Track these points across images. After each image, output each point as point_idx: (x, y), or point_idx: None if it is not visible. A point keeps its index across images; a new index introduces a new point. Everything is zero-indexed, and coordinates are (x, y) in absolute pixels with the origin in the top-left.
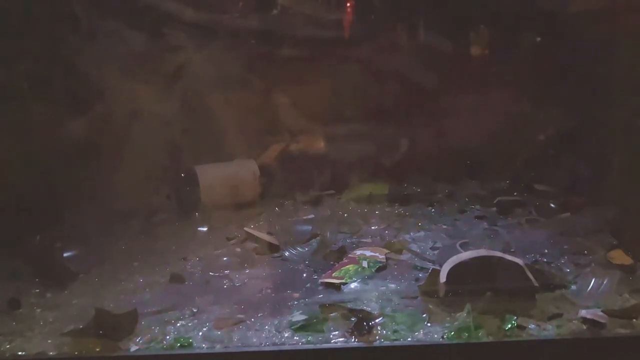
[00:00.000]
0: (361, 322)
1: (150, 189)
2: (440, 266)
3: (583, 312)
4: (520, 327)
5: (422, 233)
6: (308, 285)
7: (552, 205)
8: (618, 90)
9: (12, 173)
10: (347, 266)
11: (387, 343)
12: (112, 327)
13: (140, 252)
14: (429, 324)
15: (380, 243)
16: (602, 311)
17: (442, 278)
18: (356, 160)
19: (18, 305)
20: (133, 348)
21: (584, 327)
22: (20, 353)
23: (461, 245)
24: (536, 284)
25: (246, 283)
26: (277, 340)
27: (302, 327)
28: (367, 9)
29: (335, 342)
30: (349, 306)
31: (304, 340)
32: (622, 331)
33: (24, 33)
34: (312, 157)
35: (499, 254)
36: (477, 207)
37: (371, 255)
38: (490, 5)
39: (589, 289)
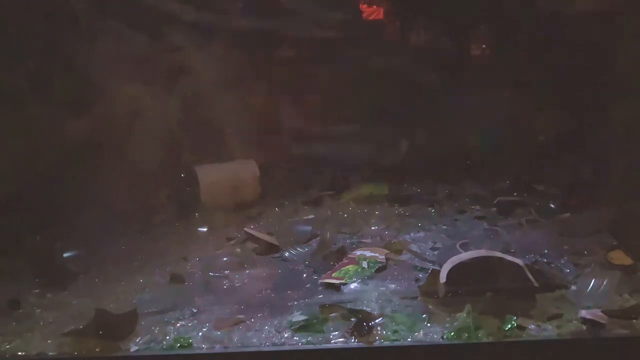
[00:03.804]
0: (361, 322)
1: (150, 189)
2: (440, 266)
3: (583, 313)
4: (520, 327)
5: (422, 233)
6: (308, 285)
7: (552, 205)
8: (618, 91)
9: (12, 173)
10: (347, 267)
11: (387, 343)
12: (112, 327)
13: (140, 252)
14: (428, 325)
15: (380, 243)
16: (602, 311)
17: (442, 278)
18: (356, 161)
19: (18, 306)
20: (133, 348)
21: (584, 327)
22: (20, 353)
23: (461, 246)
24: (536, 284)
25: (246, 283)
26: (277, 341)
27: (302, 328)
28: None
29: (335, 343)
30: (348, 307)
31: (304, 340)
32: (622, 331)
33: (24, 33)
34: (312, 157)
35: (499, 254)
36: (477, 207)
37: (371, 256)
38: (491, 5)
39: (589, 289)
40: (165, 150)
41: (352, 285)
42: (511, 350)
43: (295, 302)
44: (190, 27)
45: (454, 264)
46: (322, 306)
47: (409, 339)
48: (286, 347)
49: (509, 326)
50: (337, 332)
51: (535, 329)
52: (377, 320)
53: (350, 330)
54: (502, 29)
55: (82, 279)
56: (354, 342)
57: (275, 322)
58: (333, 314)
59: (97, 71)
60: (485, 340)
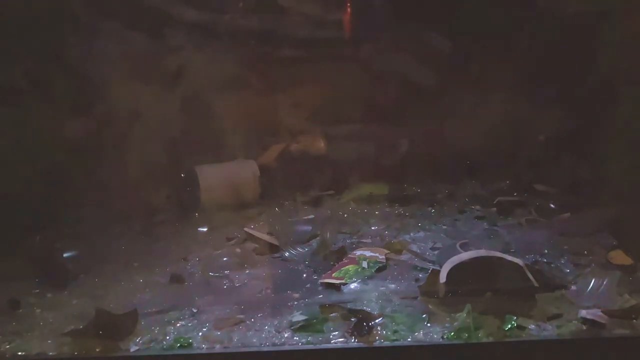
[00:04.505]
0: (361, 322)
1: (150, 189)
2: (440, 266)
3: (583, 312)
4: (520, 327)
5: (422, 233)
6: (308, 285)
7: (552, 205)
8: (618, 91)
9: (12, 173)
10: (347, 266)
11: (387, 343)
12: (112, 327)
13: (140, 252)
14: (428, 324)
15: (380, 243)
16: (602, 311)
17: (442, 278)
18: (356, 160)
19: (18, 306)
20: (133, 348)
21: (584, 327)
22: (20, 353)
23: (461, 246)
24: (536, 284)
25: (246, 283)
26: (277, 341)
27: (302, 328)
28: (367, 9)
29: (335, 343)
30: (348, 306)
31: (304, 340)
32: (622, 331)
33: (24, 33)
34: (312, 157)
35: (499, 254)
36: (477, 207)
37: (371, 256)
38: (490, 5)
39: (589, 289)
40: (165, 150)
41: (352, 285)
42: (511, 350)
43: (295, 302)
44: (190, 27)
45: (454, 264)
46: (322, 306)
47: (409, 339)
48: (286, 347)
49: (509, 326)
50: (337, 332)
51: (535, 329)
52: (377, 320)
53: (350, 330)
54: (502, 28)
55: (82, 279)
56: (354, 342)
57: (275, 322)
58: (333, 314)
59: (97, 71)
60: (485, 340)
